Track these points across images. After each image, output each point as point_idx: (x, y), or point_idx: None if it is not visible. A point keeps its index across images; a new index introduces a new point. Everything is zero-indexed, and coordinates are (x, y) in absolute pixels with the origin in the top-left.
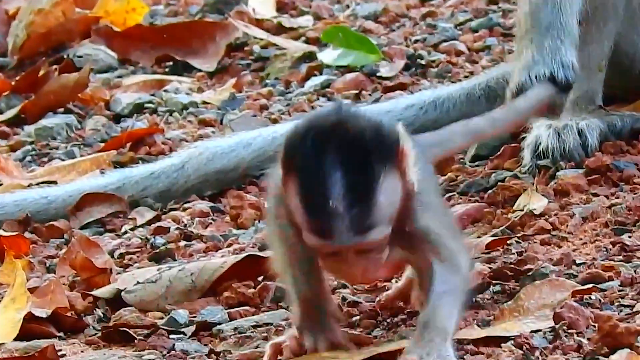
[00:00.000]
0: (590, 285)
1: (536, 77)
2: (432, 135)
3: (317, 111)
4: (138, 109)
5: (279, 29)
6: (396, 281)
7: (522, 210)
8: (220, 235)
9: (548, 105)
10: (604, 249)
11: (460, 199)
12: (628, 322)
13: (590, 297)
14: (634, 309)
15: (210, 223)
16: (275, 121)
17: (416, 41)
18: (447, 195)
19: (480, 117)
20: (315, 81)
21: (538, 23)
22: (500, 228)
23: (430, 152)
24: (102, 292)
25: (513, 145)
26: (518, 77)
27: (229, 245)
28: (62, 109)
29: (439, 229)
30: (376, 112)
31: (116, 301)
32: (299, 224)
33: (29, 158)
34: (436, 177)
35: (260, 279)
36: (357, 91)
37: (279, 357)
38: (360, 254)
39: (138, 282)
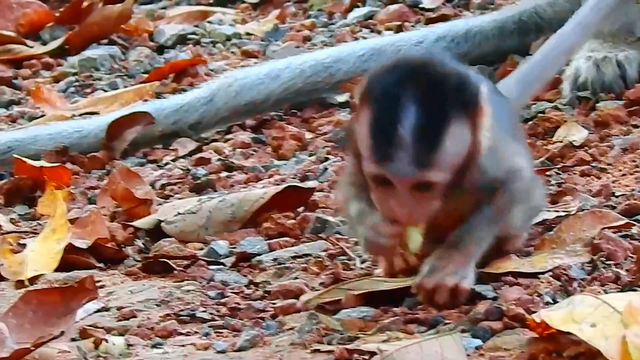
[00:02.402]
0: (631, 220)
1: None
2: (523, 71)
3: (406, 54)
4: (181, 40)
5: None
6: None
7: (561, 141)
8: (262, 166)
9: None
10: None
11: None
12: None
13: (628, 229)
14: None
15: (252, 154)
16: None
17: None
18: None
19: (570, 25)
20: (358, 12)
21: None
22: (541, 159)
23: (527, 92)
24: (143, 222)
25: (554, 76)
26: None
27: (270, 176)
28: (105, 40)
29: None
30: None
31: (156, 232)
32: (363, 153)
33: (72, 89)
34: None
35: (300, 210)
36: (399, 22)
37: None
38: (414, 192)
39: (178, 213)
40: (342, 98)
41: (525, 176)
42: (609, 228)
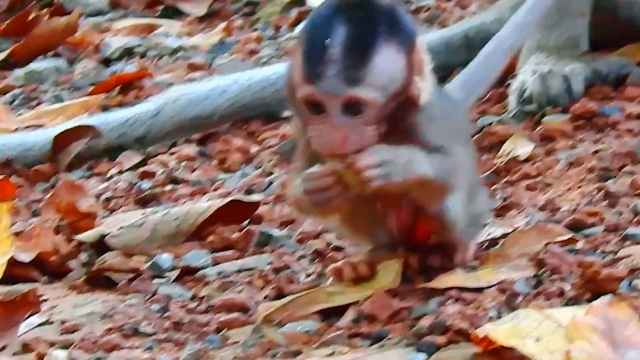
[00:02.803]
0: (576, 234)
1: None
2: (466, 74)
3: None
4: (128, 52)
5: None
6: None
7: (507, 155)
8: (207, 180)
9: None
10: (589, 195)
11: None
12: (611, 268)
13: (573, 244)
14: (617, 255)
15: (197, 167)
16: (264, 65)
17: None
18: None
19: (508, 28)
20: None
21: None
22: (486, 173)
23: (472, 94)
24: (87, 236)
25: (499, 90)
26: None
27: (215, 190)
28: (51, 53)
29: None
30: None
31: (101, 245)
32: (297, 81)
33: (17, 102)
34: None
35: (245, 223)
36: None
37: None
38: (346, 115)
39: (123, 227)
40: (288, 112)
41: (465, 170)
42: (554, 243)
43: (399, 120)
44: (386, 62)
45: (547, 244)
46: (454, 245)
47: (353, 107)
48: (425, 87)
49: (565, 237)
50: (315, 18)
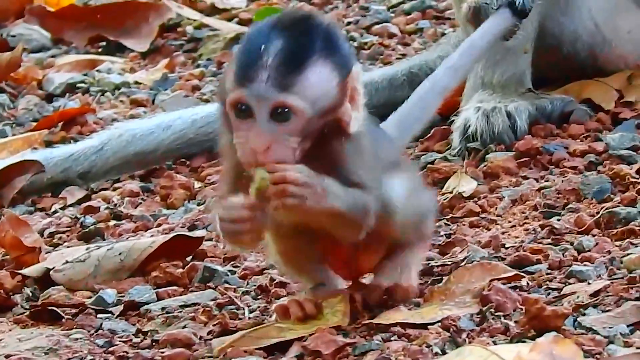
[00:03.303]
0: (520, 271)
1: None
2: (401, 113)
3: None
4: (70, 88)
5: (212, 10)
6: None
7: (451, 192)
8: (150, 215)
9: (503, 33)
10: (533, 232)
11: None
12: (555, 305)
13: (518, 280)
14: (561, 292)
15: (140, 203)
16: (207, 102)
17: (349, 23)
18: None
19: (441, 69)
20: None
21: None
22: None
23: (407, 133)
24: (31, 270)
25: (443, 127)
26: None
27: (159, 225)
28: None
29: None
30: None
31: (45, 280)
32: (228, 86)
33: None
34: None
35: (188, 259)
36: None
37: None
38: (273, 121)
39: (67, 261)
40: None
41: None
42: (498, 280)
43: (325, 144)
44: (319, 76)
45: (492, 280)
46: (397, 284)
47: (281, 114)
48: (356, 116)
49: (509, 274)
50: (253, 30)
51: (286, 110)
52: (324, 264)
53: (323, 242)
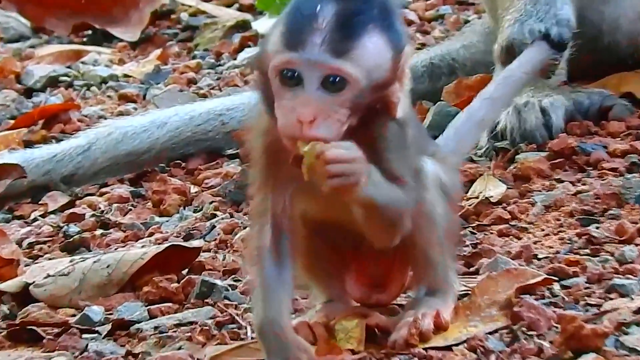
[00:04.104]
0: (555, 285)
1: (529, 32)
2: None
3: None
4: (52, 82)
5: None
6: None
7: (477, 197)
8: (141, 223)
9: (541, 67)
10: (569, 241)
11: None
12: (594, 323)
13: (552, 295)
14: (601, 309)
15: (130, 209)
16: (204, 97)
17: None
18: None
19: (479, 104)
20: (250, 52)
21: None
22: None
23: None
24: (8, 285)
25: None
26: (509, 30)
27: (151, 235)
28: None
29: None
30: None
31: (24, 296)
32: (273, 50)
33: None
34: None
35: (184, 272)
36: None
37: None
38: (323, 90)
39: (48, 275)
40: (232, 149)
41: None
42: (526, 287)
43: (368, 127)
44: (375, 46)
45: (519, 288)
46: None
47: (333, 83)
48: (403, 100)
49: (538, 279)
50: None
51: (339, 78)
52: (343, 274)
53: (348, 246)
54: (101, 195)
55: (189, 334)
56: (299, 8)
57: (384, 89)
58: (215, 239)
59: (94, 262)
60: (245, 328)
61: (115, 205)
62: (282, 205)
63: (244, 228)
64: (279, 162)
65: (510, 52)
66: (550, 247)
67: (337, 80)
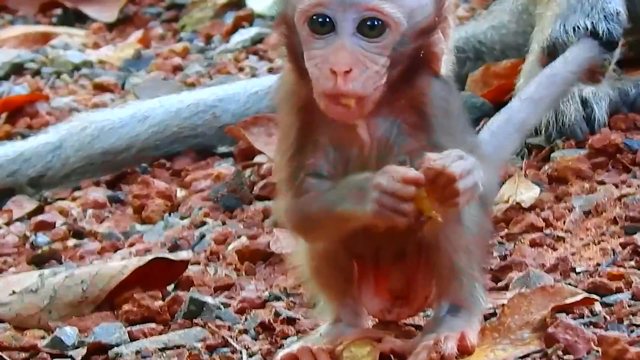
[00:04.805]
0: (596, 302)
1: (573, 30)
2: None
3: None
4: (16, 69)
5: None
6: None
7: (507, 202)
8: (120, 232)
9: (588, 69)
10: (611, 252)
11: None
12: None
13: (592, 314)
14: None
15: (107, 216)
16: (191, 86)
17: None
18: None
19: (519, 105)
20: (244, 35)
21: None
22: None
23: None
24: None
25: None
26: (551, 28)
27: (131, 245)
28: None
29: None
30: None
31: None
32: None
33: None
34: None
35: (169, 288)
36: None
37: None
38: (361, 34)
39: (14, 292)
40: (224, 147)
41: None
42: (563, 306)
43: (410, 83)
44: None
45: (556, 308)
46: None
47: (371, 27)
48: (446, 55)
49: (578, 298)
50: None
51: (378, 21)
52: (361, 284)
53: (369, 250)
54: (74, 200)
55: (175, 359)
56: None
57: (426, 36)
58: (205, 250)
59: (66, 277)
60: (240, 352)
61: (90, 211)
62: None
63: (238, 238)
64: (313, 125)
65: (552, 55)
66: (590, 259)
67: (375, 23)
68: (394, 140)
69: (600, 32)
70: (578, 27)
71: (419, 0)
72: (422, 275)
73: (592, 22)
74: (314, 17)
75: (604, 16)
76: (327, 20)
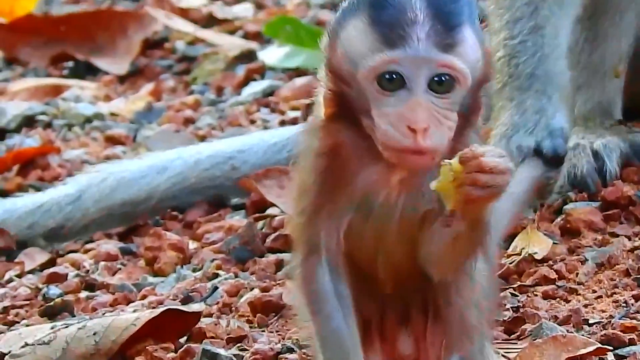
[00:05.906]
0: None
1: (517, 149)
2: None
3: None
4: (27, 122)
5: (209, 20)
6: None
7: (519, 254)
8: (132, 284)
9: (536, 187)
10: (624, 305)
11: None
12: None
13: (604, 355)
14: None
15: (119, 268)
16: (203, 138)
17: None
18: None
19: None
20: (256, 87)
21: (517, 73)
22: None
23: None
24: None
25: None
26: None
27: (143, 297)
28: None
29: None
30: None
31: None
32: (360, 53)
33: None
34: None
35: (182, 340)
36: (309, 100)
37: None
38: (432, 90)
39: (26, 344)
40: (237, 199)
41: None
42: (576, 358)
43: (455, 137)
44: (473, 39)
45: (568, 359)
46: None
47: (440, 82)
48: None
49: (591, 349)
50: None
51: (447, 77)
52: (365, 348)
53: (375, 312)
54: (86, 252)
55: None
56: (389, 1)
57: (479, 91)
58: (218, 302)
59: (79, 329)
60: None
61: (102, 263)
62: (335, 239)
63: (251, 290)
64: (338, 187)
65: None
66: (603, 311)
67: (443, 79)
68: (424, 191)
69: (544, 150)
70: (521, 146)
71: (477, 54)
72: (430, 336)
73: (536, 140)
74: (384, 75)
75: (548, 133)
76: (397, 76)
